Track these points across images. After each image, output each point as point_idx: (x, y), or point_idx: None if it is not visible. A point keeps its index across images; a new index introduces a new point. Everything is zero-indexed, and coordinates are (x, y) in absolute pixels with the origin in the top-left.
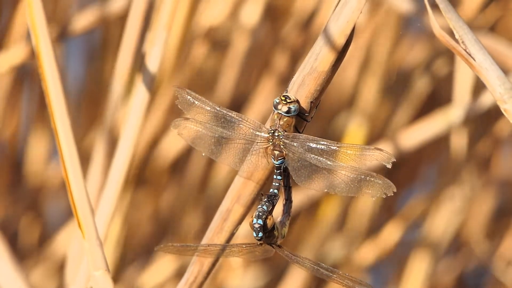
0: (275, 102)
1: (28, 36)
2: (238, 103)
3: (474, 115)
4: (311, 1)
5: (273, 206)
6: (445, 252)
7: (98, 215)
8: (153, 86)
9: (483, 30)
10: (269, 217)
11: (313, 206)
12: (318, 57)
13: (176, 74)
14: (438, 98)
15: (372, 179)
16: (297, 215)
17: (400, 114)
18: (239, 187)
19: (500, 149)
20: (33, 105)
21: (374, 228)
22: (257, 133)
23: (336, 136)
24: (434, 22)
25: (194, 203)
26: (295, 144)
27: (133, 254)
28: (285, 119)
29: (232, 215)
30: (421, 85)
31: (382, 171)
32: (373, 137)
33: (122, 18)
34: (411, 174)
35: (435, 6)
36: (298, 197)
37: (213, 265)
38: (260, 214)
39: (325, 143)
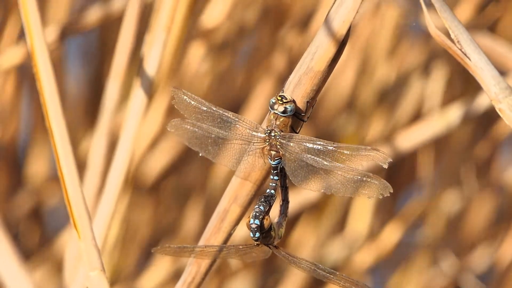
0: (271, 102)
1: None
2: (237, 104)
3: (473, 116)
4: (309, 2)
5: (270, 207)
6: (445, 254)
7: (97, 217)
8: (152, 87)
9: (482, 30)
10: (266, 217)
11: (312, 208)
12: (314, 57)
13: (174, 76)
14: (436, 99)
15: (369, 180)
16: (296, 217)
17: (399, 115)
18: (236, 187)
19: (498, 150)
20: (34, 107)
21: (373, 230)
22: (254, 133)
23: (334, 138)
24: (430, 21)
25: (192, 204)
26: (291, 144)
27: (131, 255)
28: (281, 119)
29: (230, 215)
30: (419, 86)
31: (382, 172)
32: (372, 138)
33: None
34: (410, 176)
35: (430, 6)
36: (297, 199)
37: (211, 266)
38: (257, 214)
39: (322, 143)
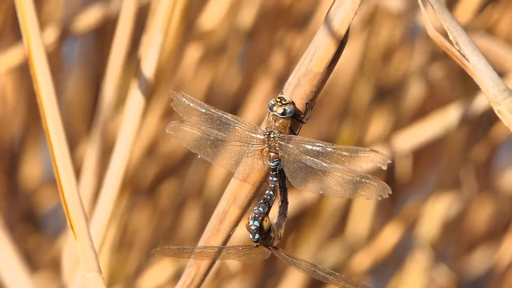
0: (270, 104)
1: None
2: (234, 105)
3: (472, 118)
4: (307, 2)
5: (269, 208)
6: (444, 255)
7: (95, 219)
8: (149, 89)
9: (480, 31)
10: (265, 218)
11: (311, 209)
12: (313, 58)
13: (171, 78)
14: (435, 100)
15: (368, 181)
16: (295, 218)
17: (397, 117)
18: (235, 188)
19: (497, 152)
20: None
21: (373, 232)
22: (253, 135)
23: (331, 139)
24: (428, 23)
25: (190, 206)
26: (290, 145)
27: (129, 258)
28: (280, 121)
29: (229, 216)
30: (417, 87)
31: (380, 173)
32: (370, 140)
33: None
34: (409, 177)
35: (428, 7)
36: (296, 201)
37: (210, 267)
38: (256, 216)
39: (321, 144)
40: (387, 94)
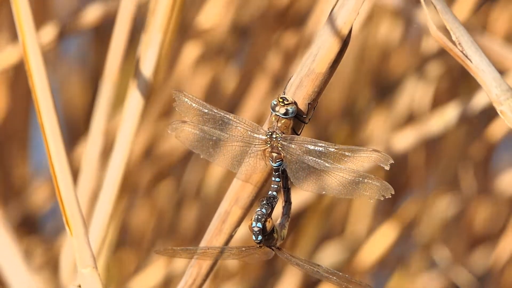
0: (272, 104)
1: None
2: (232, 104)
3: (470, 116)
4: (305, 2)
5: (272, 209)
6: (442, 255)
7: (94, 219)
8: (148, 88)
9: (478, 29)
10: (268, 219)
11: (310, 209)
12: (316, 59)
13: (168, 77)
14: (433, 99)
15: (370, 181)
16: (295, 218)
17: (395, 116)
18: (237, 189)
19: (495, 151)
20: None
21: (371, 231)
22: (255, 135)
23: (329, 139)
24: (431, 23)
25: (189, 205)
26: (293, 146)
27: (128, 257)
28: (282, 121)
29: (231, 217)
30: (415, 87)
31: (379, 172)
32: (368, 139)
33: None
34: (407, 176)
35: (430, 6)
36: (295, 201)
37: (212, 267)
38: (259, 217)
39: (323, 145)
40: (385, 93)
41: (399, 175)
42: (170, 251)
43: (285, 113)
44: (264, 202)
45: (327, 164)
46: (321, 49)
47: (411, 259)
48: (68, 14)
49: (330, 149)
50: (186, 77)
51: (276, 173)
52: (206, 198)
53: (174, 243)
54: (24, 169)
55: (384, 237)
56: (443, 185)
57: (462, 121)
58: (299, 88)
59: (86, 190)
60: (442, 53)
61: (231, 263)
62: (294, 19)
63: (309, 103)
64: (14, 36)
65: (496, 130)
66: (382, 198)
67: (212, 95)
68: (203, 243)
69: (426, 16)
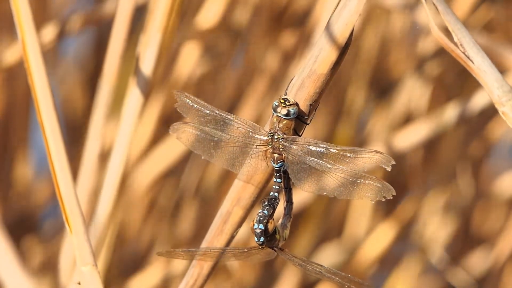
0: (274, 105)
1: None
2: (232, 105)
3: (468, 117)
4: (304, 2)
5: (274, 210)
6: (440, 255)
7: (94, 219)
8: (147, 88)
9: (477, 29)
10: (270, 221)
11: (308, 210)
12: (317, 60)
13: (167, 78)
14: (432, 99)
15: (371, 182)
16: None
17: (393, 116)
18: (239, 189)
19: (493, 151)
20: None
21: (369, 231)
22: (257, 136)
23: (329, 139)
24: (433, 24)
25: (188, 205)
26: (294, 147)
27: (127, 258)
28: (284, 122)
29: (232, 217)
30: (414, 87)
31: (378, 172)
32: (367, 139)
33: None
34: (406, 176)
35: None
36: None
37: (213, 268)
38: (261, 219)
39: (325, 145)
40: (384, 93)
41: (398, 175)
42: (172, 253)
43: (287, 114)
44: (266, 203)
45: (328, 165)
46: (322, 51)
47: (409, 259)
48: (65, 15)
49: (331, 150)
50: (185, 76)
51: (278, 174)
52: (205, 198)
53: (173, 244)
54: (24, 169)
55: (383, 237)
56: (441, 185)
57: (461, 121)
58: (300, 89)
59: (85, 190)
60: (441, 53)
61: (231, 263)
62: (293, 19)
63: (310, 104)
64: (11, 36)
65: (495, 130)
66: (383, 200)
67: (212, 95)
68: (204, 244)
69: (427, 17)
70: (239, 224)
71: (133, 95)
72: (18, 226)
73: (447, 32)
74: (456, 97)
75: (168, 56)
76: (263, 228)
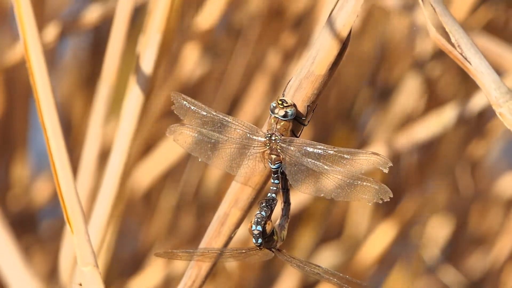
0: (272, 106)
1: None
2: (230, 105)
3: (468, 117)
4: (303, 2)
5: (272, 211)
6: (439, 256)
7: (94, 219)
8: (147, 89)
9: (475, 30)
10: (268, 222)
11: (306, 210)
12: (315, 61)
13: (167, 79)
14: (431, 99)
15: (369, 184)
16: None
17: (393, 116)
18: (236, 191)
19: (492, 151)
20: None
21: (369, 231)
22: (254, 137)
23: (328, 141)
24: (430, 26)
25: (187, 206)
26: (292, 148)
27: (127, 259)
28: (282, 123)
29: (230, 219)
30: (413, 87)
31: (377, 172)
32: (366, 139)
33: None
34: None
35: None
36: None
37: (211, 269)
38: (259, 220)
39: (322, 147)
40: (383, 94)
41: (398, 175)
42: (170, 254)
43: (284, 115)
44: (264, 204)
45: (326, 167)
46: (320, 51)
47: (408, 260)
48: (62, 15)
49: (329, 151)
50: (185, 77)
51: (275, 175)
52: (204, 199)
53: (172, 244)
54: (22, 169)
55: (382, 238)
56: (440, 185)
57: (459, 122)
58: (298, 90)
59: (84, 190)
60: (440, 54)
61: (229, 263)
62: (292, 19)
63: (308, 105)
64: (10, 37)
65: (493, 131)
66: (380, 201)
67: (211, 95)
68: (202, 245)
69: (425, 18)
70: (237, 226)
71: (133, 94)
72: (17, 226)
73: (445, 33)
74: (455, 98)
75: (168, 56)
76: (261, 229)
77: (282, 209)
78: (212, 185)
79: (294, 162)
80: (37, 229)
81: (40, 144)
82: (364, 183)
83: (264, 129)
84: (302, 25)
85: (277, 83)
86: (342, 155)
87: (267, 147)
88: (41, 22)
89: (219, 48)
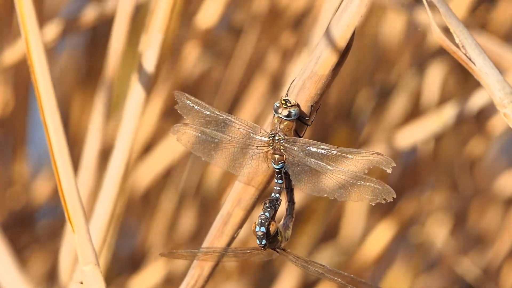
0: (275, 106)
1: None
2: (231, 105)
3: (468, 116)
4: (304, 2)
5: (276, 211)
6: (438, 256)
7: (95, 218)
8: (149, 88)
9: (476, 29)
10: (272, 223)
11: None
12: (319, 61)
13: (167, 78)
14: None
15: (372, 185)
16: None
17: (393, 116)
18: (239, 191)
19: (492, 150)
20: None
21: (366, 230)
22: (257, 137)
23: (329, 141)
24: (435, 26)
25: (188, 205)
26: (295, 148)
27: (127, 258)
28: (285, 123)
29: (233, 219)
30: (413, 86)
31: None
32: (366, 139)
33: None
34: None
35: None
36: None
37: (214, 269)
38: (263, 221)
39: (326, 147)
40: (384, 93)
41: (397, 175)
42: (175, 254)
43: (288, 115)
44: (267, 205)
45: (329, 167)
46: (324, 52)
47: (407, 258)
48: (62, 15)
49: (332, 151)
50: (184, 76)
51: (279, 175)
52: (204, 198)
53: (174, 244)
54: (22, 168)
55: (381, 237)
56: (440, 184)
57: (460, 121)
58: (302, 90)
59: (85, 189)
60: (441, 53)
61: (229, 263)
62: (292, 19)
63: (311, 105)
64: (9, 36)
65: (494, 129)
66: (383, 202)
67: (212, 94)
68: (205, 245)
69: (429, 18)
70: (240, 226)
71: (135, 94)
72: (16, 225)
73: (448, 33)
74: (455, 96)
75: (168, 56)
76: (264, 230)
77: (286, 209)
78: (213, 184)
79: (297, 162)
80: (37, 228)
81: (40, 141)
82: (367, 184)
83: (268, 129)
84: (302, 25)
85: (277, 82)
86: (345, 155)
87: (271, 147)
88: (40, 21)
89: (219, 47)
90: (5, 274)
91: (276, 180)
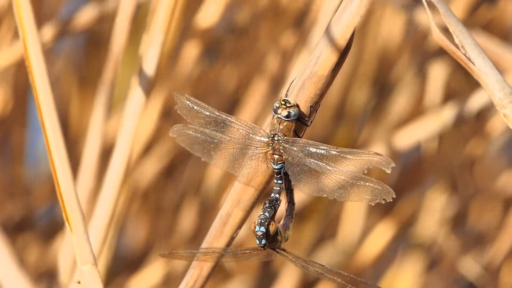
0: (275, 107)
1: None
2: (230, 105)
3: (468, 116)
4: (304, 2)
5: (275, 211)
6: (438, 256)
7: (95, 218)
8: (149, 88)
9: (476, 29)
10: (271, 223)
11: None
12: (318, 61)
13: (167, 78)
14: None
15: (372, 185)
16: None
17: (392, 116)
18: (238, 191)
19: (492, 150)
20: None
21: (366, 230)
22: (257, 137)
23: (328, 141)
24: (434, 26)
25: (188, 204)
26: (294, 148)
27: (127, 258)
28: (284, 124)
29: (232, 219)
30: (412, 87)
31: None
32: (365, 139)
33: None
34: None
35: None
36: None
37: (213, 269)
38: (263, 221)
39: (325, 148)
40: (384, 93)
41: (396, 175)
42: (175, 254)
43: (287, 116)
44: (267, 205)
45: (328, 167)
46: (323, 52)
47: (407, 258)
48: (60, 15)
49: (331, 152)
50: (184, 76)
51: (278, 176)
52: (204, 198)
53: (173, 244)
54: (21, 168)
55: (381, 237)
56: (440, 184)
57: (459, 121)
58: (301, 91)
59: (85, 189)
60: (440, 53)
61: (228, 263)
62: (292, 18)
63: (311, 106)
64: (8, 37)
65: (494, 129)
66: (383, 202)
67: (212, 94)
68: (204, 245)
69: (428, 18)
70: (239, 226)
71: (135, 94)
72: (15, 226)
73: (447, 33)
74: (455, 96)
75: (169, 56)
76: (264, 230)
77: (286, 209)
78: (213, 184)
79: (296, 162)
80: (36, 228)
81: (38, 143)
82: (367, 184)
83: (267, 129)
84: (302, 25)
85: (276, 82)
86: (344, 155)
87: (270, 148)
88: (38, 22)
89: (219, 47)
90: (5, 274)
91: (275, 181)
